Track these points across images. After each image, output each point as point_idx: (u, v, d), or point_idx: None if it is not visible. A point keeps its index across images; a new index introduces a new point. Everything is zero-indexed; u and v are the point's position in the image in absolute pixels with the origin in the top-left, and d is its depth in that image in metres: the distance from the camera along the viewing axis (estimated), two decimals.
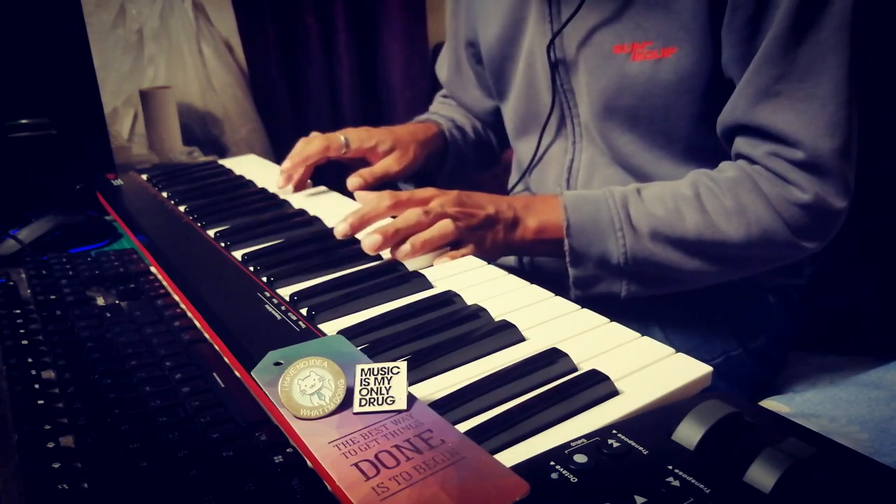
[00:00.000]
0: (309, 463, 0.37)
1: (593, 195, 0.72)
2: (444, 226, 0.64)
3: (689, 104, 0.73)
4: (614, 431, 0.36)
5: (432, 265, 0.63)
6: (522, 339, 0.48)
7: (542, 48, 0.82)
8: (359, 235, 0.65)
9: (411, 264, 0.63)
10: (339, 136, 0.89)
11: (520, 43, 0.86)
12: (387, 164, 0.90)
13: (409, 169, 0.93)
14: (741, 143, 0.71)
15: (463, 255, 0.64)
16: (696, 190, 0.71)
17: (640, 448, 0.34)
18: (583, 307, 0.53)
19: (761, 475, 0.31)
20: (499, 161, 1.13)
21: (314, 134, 0.94)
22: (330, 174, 0.97)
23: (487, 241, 0.68)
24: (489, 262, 0.63)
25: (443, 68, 1.09)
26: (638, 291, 0.72)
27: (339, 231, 0.67)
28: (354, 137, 0.90)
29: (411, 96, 1.93)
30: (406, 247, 0.63)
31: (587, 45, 0.77)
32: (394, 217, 0.66)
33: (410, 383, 0.42)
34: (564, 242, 0.70)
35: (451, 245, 0.65)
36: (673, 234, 0.70)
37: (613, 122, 0.78)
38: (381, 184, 0.89)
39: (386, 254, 0.65)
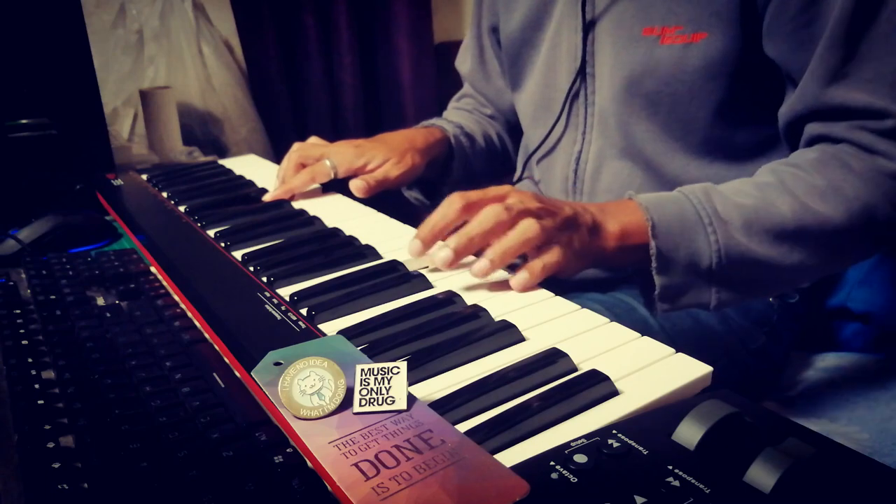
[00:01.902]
0: (309, 463, 0.37)
1: (669, 194, 0.65)
2: (527, 227, 0.56)
3: (714, 92, 0.73)
4: (614, 431, 0.36)
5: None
6: (522, 339, 0.48)
7: (569, 29, 0.81)
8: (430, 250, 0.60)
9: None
10: (325, 163, 0.85)
11: (544, 26, 0.86)
12: (386, 169, 0.87)
13: (409, 175, 0.90)
14: (816, 127, 0.68)
15: (551, 264, 0.56)
16: (778, 176, 0.66)
17: (640, 448, 0.34)
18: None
19: (761, 475, 0.31)
20: (513, 170, 1.11)
21: (312, 140, 0.93)
22: None
23: (575, 243, 0.59)
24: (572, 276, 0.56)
25: (465, 61, 1.06)
26: (728, 299, 0.65)
27: (413, 250, 0.60)
28: (341, 160, 0.86)
29: (421, 94, 1.92)
30: (483, 263, 0.55)
31: (616, 26, 0.76)
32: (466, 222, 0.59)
33: (410, 383, 0.42)
34: (650, 245, 0.62)
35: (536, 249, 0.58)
36: (769, 223, 0.63)
37: (633, 107, 0.77)
38: (382, 189, 0.87)
39: (386, 254, 0.65)
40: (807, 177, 0.65)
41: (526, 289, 0.56)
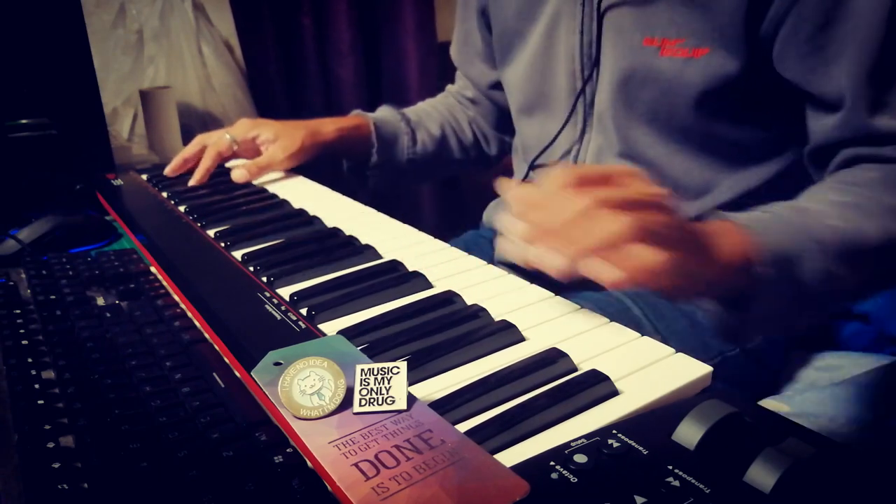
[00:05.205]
0: (309, 463, 0.37)
1: (763, 217, 0.59)
2: (608, 224, 0.44)
3: (716, 108, 0.72)
4: (614, 431, 0.36)
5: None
6: (522, 339, 0.48)
7: (568, 27, 0.80)
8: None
9: None
10: (224, 135, 0.93)
11: (536, 17, 0.85)
12: (271, 154, 0.93)
13: (298, 157, 0.94)
14: (859, 150, 0.66)
15: (653, 264, 0.45)
16: (853, 196, 0.62)
17: (640, 448, 0.34)
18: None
19: (761, 475, 0.31)
20: (494, 162, 1.11)
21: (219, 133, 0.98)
22: (325, 172, 0.97)
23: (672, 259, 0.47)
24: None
25: (454, 43, 1.07)
26: (812, 322, 0.62)
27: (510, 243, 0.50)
28: (237, 132, 0.94)
29: (426, 95, 1.92)
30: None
31: (616, 32, 0.76)
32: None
33: (410, 383, 0.42)
34: (757, 271, 0.54)
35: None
36: (859, 247, 0.59)
37: (632, 112, 0.77)
38: (266, 173, 0.93)
39: (386, 254, 0.65)
40: (881, 197, 0.63)
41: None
